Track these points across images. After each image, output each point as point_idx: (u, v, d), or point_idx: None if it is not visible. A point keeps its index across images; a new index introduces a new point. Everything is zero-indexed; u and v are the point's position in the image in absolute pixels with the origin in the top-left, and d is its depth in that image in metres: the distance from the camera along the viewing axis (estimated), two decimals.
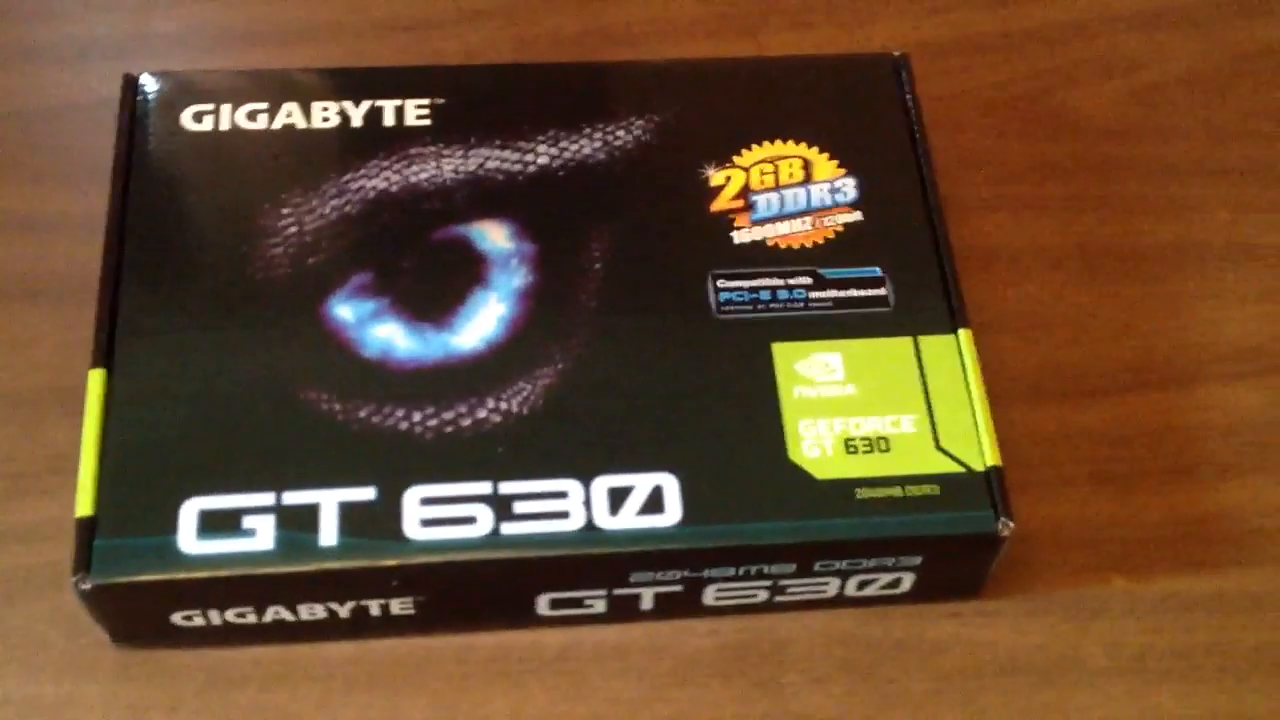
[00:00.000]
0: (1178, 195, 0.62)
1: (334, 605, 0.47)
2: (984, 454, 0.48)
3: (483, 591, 0.47)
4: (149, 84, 0.54)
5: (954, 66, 0.65)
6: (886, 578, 0.49)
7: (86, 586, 0.44)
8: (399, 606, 0.47)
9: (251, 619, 0.47)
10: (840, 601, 0.50)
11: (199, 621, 0.47)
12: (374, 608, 0.47)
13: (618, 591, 0.48)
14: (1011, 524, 0.47)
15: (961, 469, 0.48)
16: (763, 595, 0.49)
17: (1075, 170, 0.62)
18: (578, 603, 0.48)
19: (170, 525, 0.45)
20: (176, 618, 0.46)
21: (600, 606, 0.48)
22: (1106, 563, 0.52)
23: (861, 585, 0.49)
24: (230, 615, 0.47)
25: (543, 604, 0.48)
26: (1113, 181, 0.62)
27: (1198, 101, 0.64)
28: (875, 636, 0.50)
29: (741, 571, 0.47)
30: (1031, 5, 0.67)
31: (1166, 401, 0.56)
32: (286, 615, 0.47)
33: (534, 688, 0.48)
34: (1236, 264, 0.60)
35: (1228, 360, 0.57)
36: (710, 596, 0.48)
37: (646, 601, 0.48)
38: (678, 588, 0.48)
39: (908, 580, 0.49)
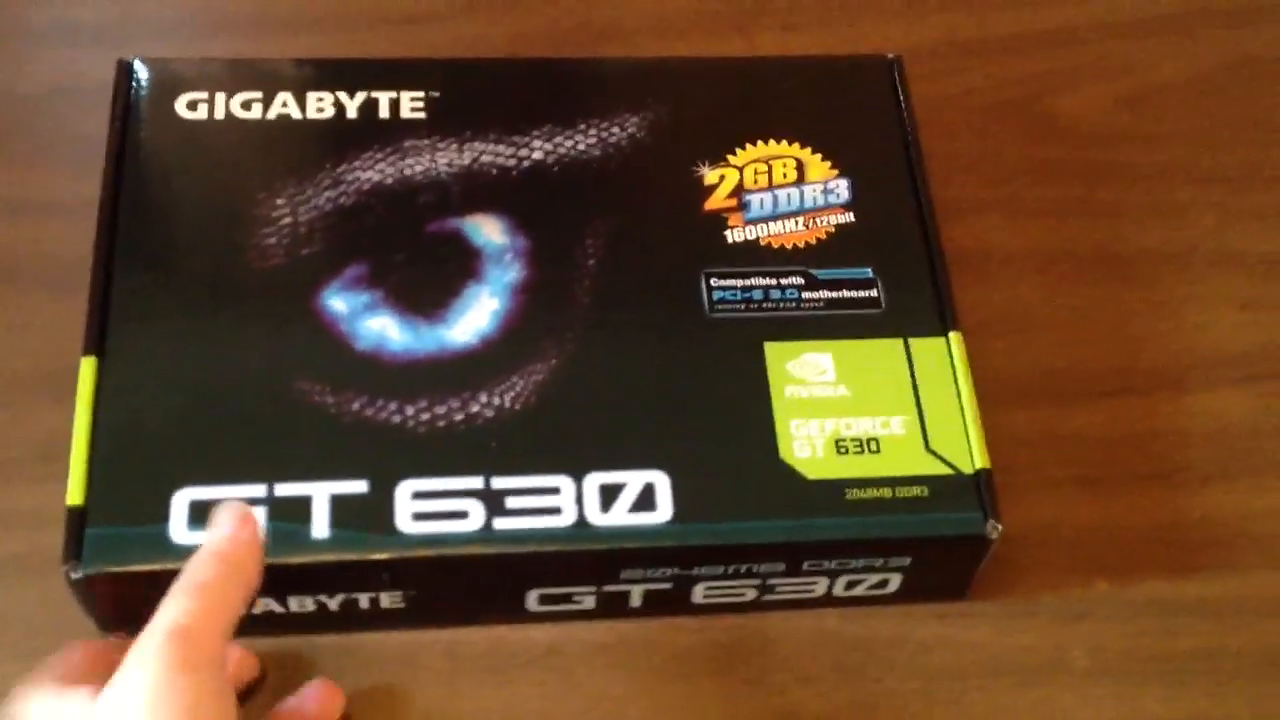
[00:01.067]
0: (1165, 200, 0.62)
1: (324, 598, 0.47)
2: (973, 457, 0.48)
3: (473, 586, 0.47)
4: (142, 71, 0.54)
5: (944, 69, 0.65)
6: (874, 578, 0.49)
7: (77, 575, 0.44)
8: (389, 600, 0.47)
9: None
10: (828, 601, 0.50)
11: None
12: (363, 601, 0.47)
13: (607, 588, 0.48)
14: (1000, 526, 0.47)
15: (951, 471, 0.48)
16: (751, 594, 0.49)
17: (1065, 174, 0.62)
18: (567, 598, 0.48)
19: (161, 515, 0.45)
20: None
21: (589, 603, 0.48)
22: (1091, 566, 0.53)
23: (849, 585, 0.49)
24: None
25: (532, 599, 0.48)
26: (1102, 186, 0.62)
27: (1185, 108, 0.65)
28: (862, 636, 0.50)
29: (731, 570, 0.47)
30: (1021, 10, 0.67)
31: (1153, 406, 0.56)
32: (276, 607, 0.47)
33: (523, 683, 0.48)
34: (1223, 269, 0.60)
35: (1214, 366, 0.58)
36: (699, 595, 0.49)
37: (636, 598, 0.48)
38: (667, 585, 0.48)
39: (895, 581, 0.49)
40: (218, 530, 0.42)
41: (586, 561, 0.46)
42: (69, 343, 0.48)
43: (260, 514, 0.45)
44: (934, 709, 0.49)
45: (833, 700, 0.49)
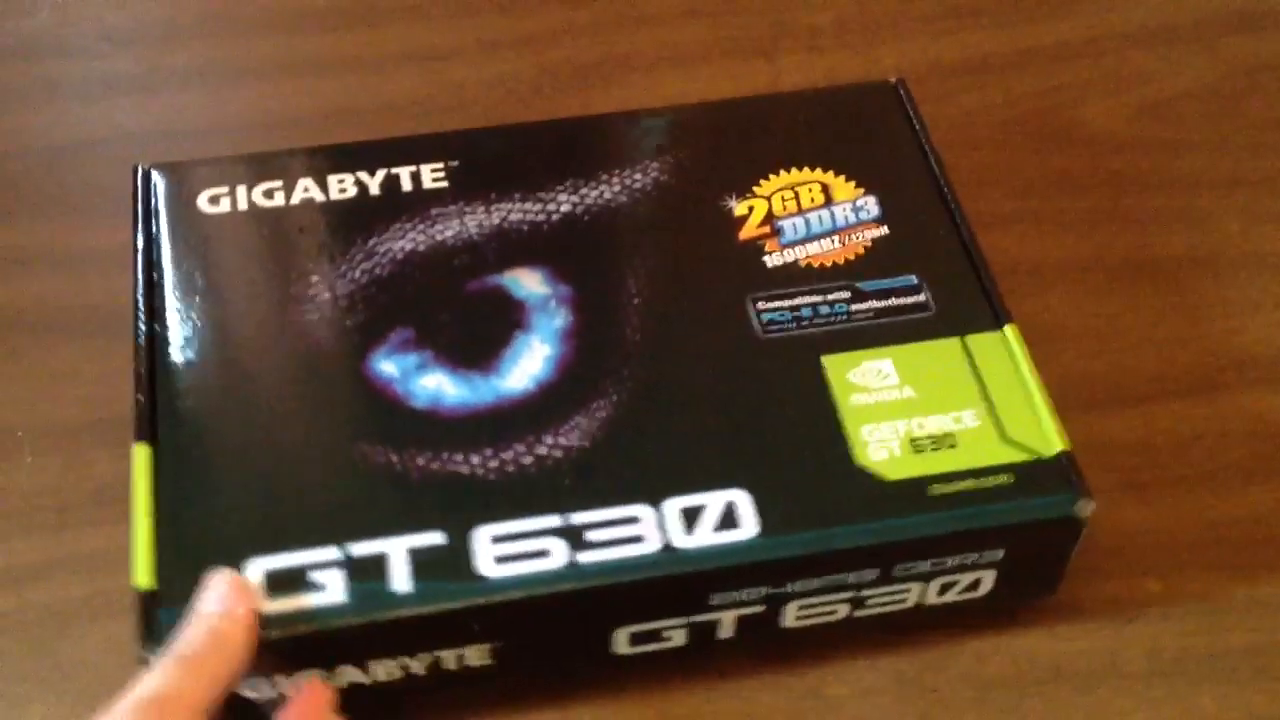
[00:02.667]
0: (1191, 207, 0.62)
1: (407, 660, 0.45)
2: (1051, 440, 0.47)
3: (561, 629, 0.45)
4: (159, 176, 0.54)
5: (966, 85, 0.66)
6: (967, 579, 0.47)
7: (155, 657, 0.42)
8: (475, 657, 0.45)
9: None
10: (918, 613, 0.48)
11: (266, 692, 0.44)
12: (449, 659, 0.45)
13: (696, 618, 0.46)
14: (1092, 503, 0.46)
15: (1032, 456, 0.47)
16: (843, 610, 0.47)
17: (1090, 184, 0.63)
18: (656, 635, 0.46)
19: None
20: (244, 689, 0.44)
21: (680, 638, 0.47)
22: (1140, 569, 0.52)
23: (942, 590, 0.48)
24: (300, 682, 0.44)
25: (621, 640, 0.46)
26: (1127, 194, 0.63)
27: (1207, 115, 0.66)
28: (917, 646, 0.49)
29: (824, 583, 0.46)
30: (1039, 24, 0.69)
31: (1190, 409, 0.56)
32: (359, 677, 0.45)
33: None
34: (1251, 272, 0.60)
35: (1247, 367, 0.57)
36: (791, 617, 0.47)
37: (727, 628, 0.47)
38: (759, 608, 0.46)
39: (988, 580, 0.48)
40: (209, 602, 0.42)
41: (676, 588, 0.45)
42: (117, 388, 0.48)
43: (336, 576, 0.44)
44: (990, 717, 0.48)
45: (890, 712, 0.48)
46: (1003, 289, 0.57)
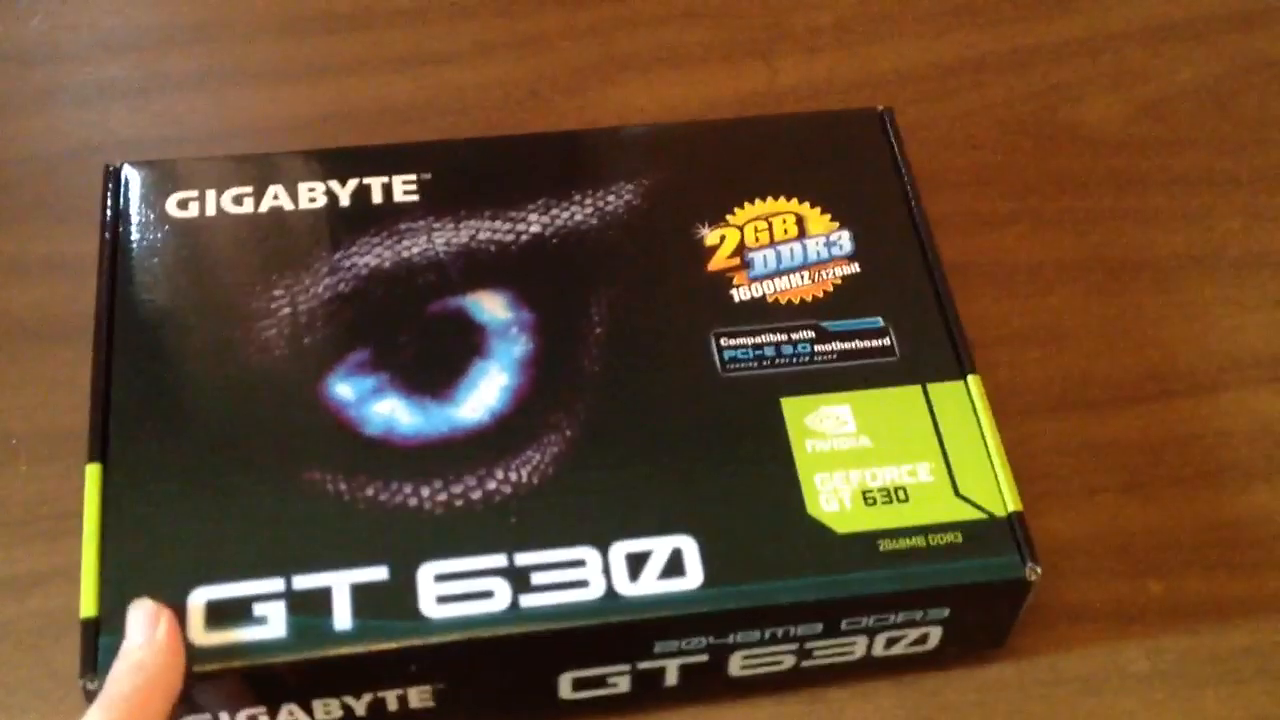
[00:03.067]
0: (1189, 205, 0.62)
1: (349, 699, 0.45)
2: (1005, 499, 0.47)
3: (504, 672, 0.46)
4: (131, 174, 0.54)
5: (964, 85, 0.65)
6: (914, 634, 0.47)
7: (94, 687, 0.42)
8: (417, 698, 0.45)
9: None
10: (867, 664, 0.48)
11: None
12: (391, 700, 0.45)
13: (641, 665, 0.46)
14: (1038, 569, 0.46)
15: (984, 515, 0.47)
16: (789, 660, 0.47)
17: (1088, 183, 0.63)
18: (600, 681, 0.47)
19: (177, 617, 0.43)
20: None
21: (624, 685, 0.47)
22: (1142, 569, 0.52)
23: (889, 644, 0.48)
24: (242, 719, 0.45)
25: (565, 685, 0.46)
26: (1126, 193, 0.62)
27: (1204, 113, 0.65)
28: None
29: (768, 635, 0.46)
30: (1036, 23, 0.68)
31: (1190, 409, 0.56)
32: (301, 716, 0.45)
33: None
34: (1251, 271, 0.60)
35: (1248, 366, 0.57)
36: (736, 666, 0.47)
37: (671, 675, 0.47)
38: (703, 657, 0.46)
39: (935, 635, 0.48)
40: (133, 637, 0.42)
41: (620, 635, 0.45)
42: (82, 400, 0.48)
43: (278, 609, 0.44)
44: None
45: (891, 715, 0.48)
46: (1001, 290, 0.58)
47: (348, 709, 0.45)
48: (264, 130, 0.61)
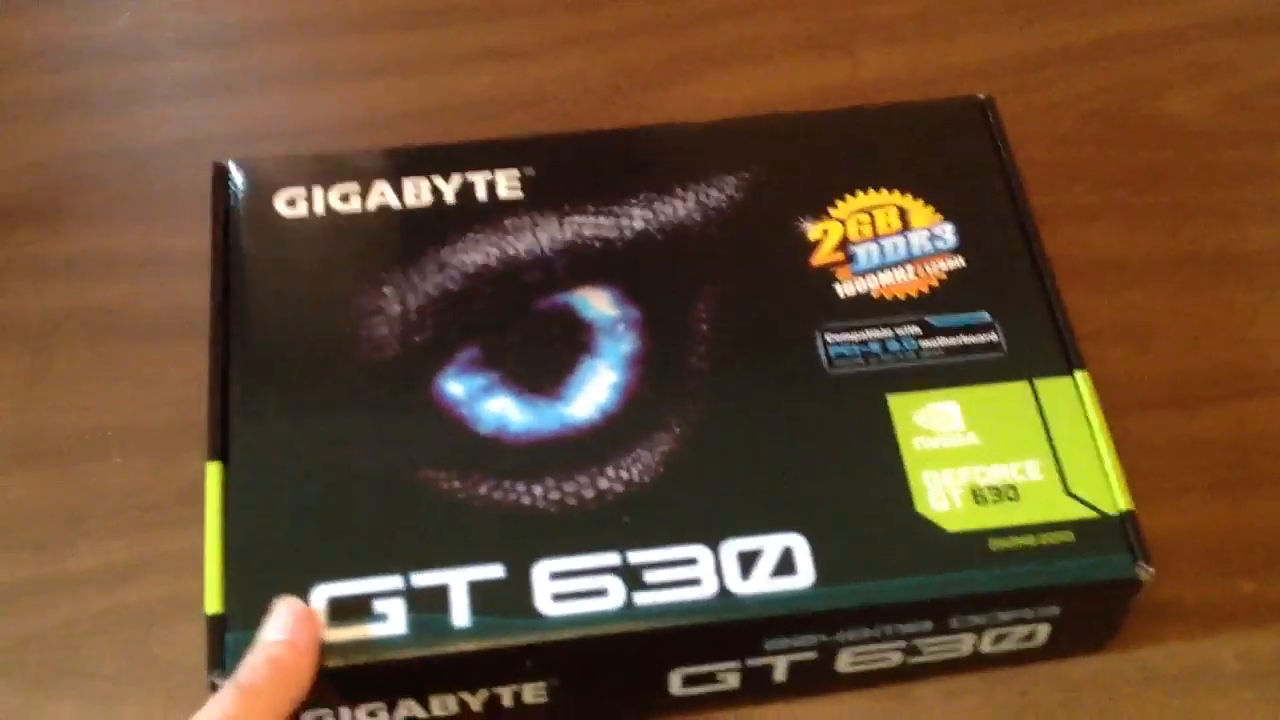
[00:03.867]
0: (1279, 199, 0.61)
1: (466, 695, 0.46)
2: (1116, 498, 0.47)
3: (617, 670, 0.46)
4: (238, 173, 0.54)
5: (1049, 77, 0.65)
6: (1022, 630, 0.48)
7: (221, 682, 0.43)
8: (532, 693, 0.46)
9: (382, 718, 0.46)
10: (974, 661, 0.49)
11: None
12: (506, 696, 0.46)
13: (750, 662, 0.47)
14: (1151, 569, 0.46)
15: (1095, 514, 0.47)
16: (897, 658, 0.48)
17: (1177, 177, 0.62)
18: (710, 678, 0.47)
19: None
20: (308, 718, 0.45)
21: (733, 680, 0.47)
22: (1233, 569, 0.52)
23: (997, 640, 0.48)
24: (361, 715, 0.46)
25: (675, 681, 0.47)
26: (1215, 187, 0.62)
27: None
28: None
29: (877, 632, 0.46)
30: (1121, 13, 0.67)
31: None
32: (418, 711, 0.46)
33: None
34: None
35: None
36: (844, 662, 0.48)
37: (780, 672, 0.47)
38: (811, 655, 0.47)
39: (1042, 633, 0.48)
40: (275, 631, 0.43)
41: (732, 633, 0.45)
42: (201, 390, 0.49)
43: (397, 607, 0.45)
44: None
45: (979, 714, 0.48)
46: (1089, 285, 0.57)
47: (464, 704, 0.46)
48: (345, 126, 0.62)
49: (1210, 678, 0.49)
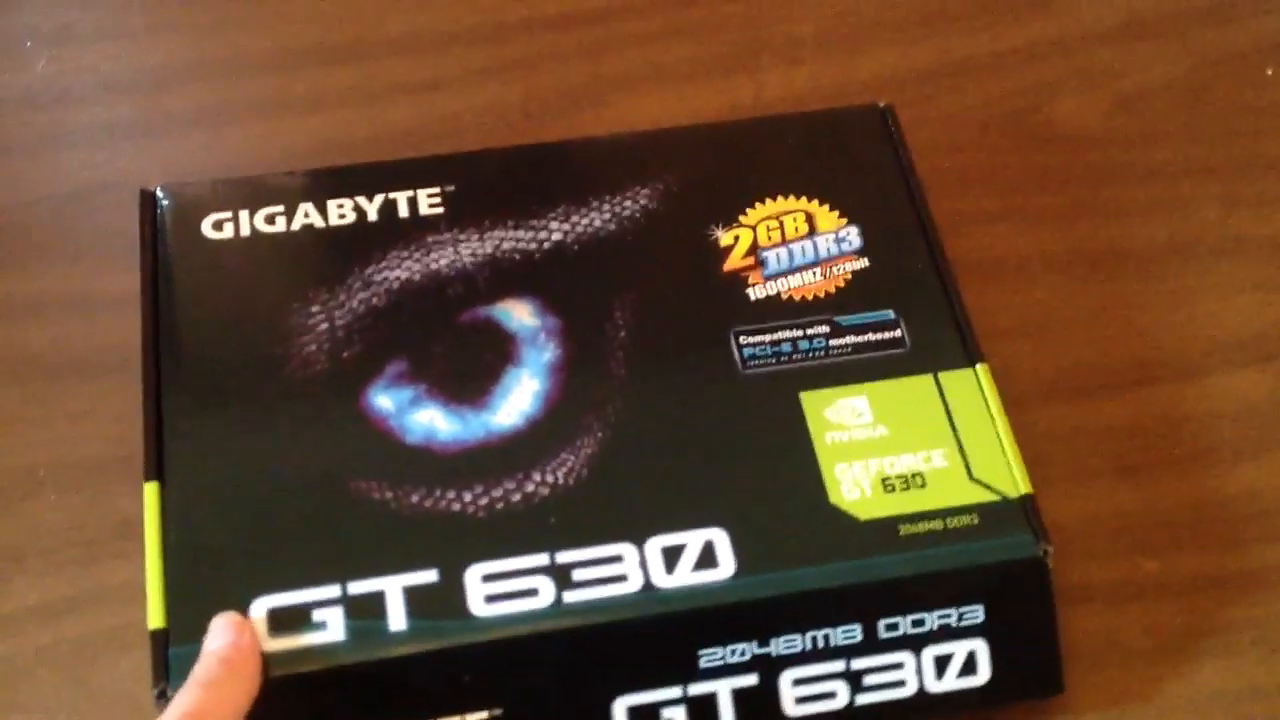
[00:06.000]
0: (1168, 196, 0.64)
1: None
2: (1017, 482, 0.50)
3: (554, 685, 0.47)
4: (165, 198, 0.56)
5: (944, 89, 0.67)
6: (959, 651, 0.48)
7: (167, 695, 0.45)
8: None
9: None
10: (921, 699, 0.48)
11: None
12: None
13: (692, 690, 0.47)
14: (1050, 549, 0.48)
15: (997, 497, 0.49)
16: (843, 693, 0.48)
17: (1069, 179, 0.65)
18: (655, 716, 0.47)
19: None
20: None
21: (681, 717, 0.47)
22: (1137, 549, 0.55)
23: (940, 669, 0.48)
24: None
25: (619, 716, 0.47)
26: (1105, 186, 0.65)
27: (1178, 106, 0.67)
28: None
29: (810, 644, 0.47)
30: (1011, 27, 0.70)
31: (1179, 392, 0.59)
32: None
33: None
34: (1230, 256, 0.63)
35: (1231, 349, 0.60)
36: (789, 697, 0.48)
37: (725, 704, 0.47)
38: (752, 679, 0.47)
39: (982, 656, 0.48)
40: (217, 639, 0.45)
41: (661, 630, 0.47)
42: (133, 425, 0.50)
43: (335, 614, 0.46)
44: None
45: None
46: (991, 285, 0.60)
47: None
48: (266, 163, 0.62)
49: (1121, 654, 0.52)
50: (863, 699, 0.48)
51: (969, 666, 0.49)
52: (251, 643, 0.45)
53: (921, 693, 0.48)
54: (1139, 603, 0.53)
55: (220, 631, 0.45)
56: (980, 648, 0.49)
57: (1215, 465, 0.57)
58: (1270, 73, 0.68)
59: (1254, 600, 0.53)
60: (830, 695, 0.48)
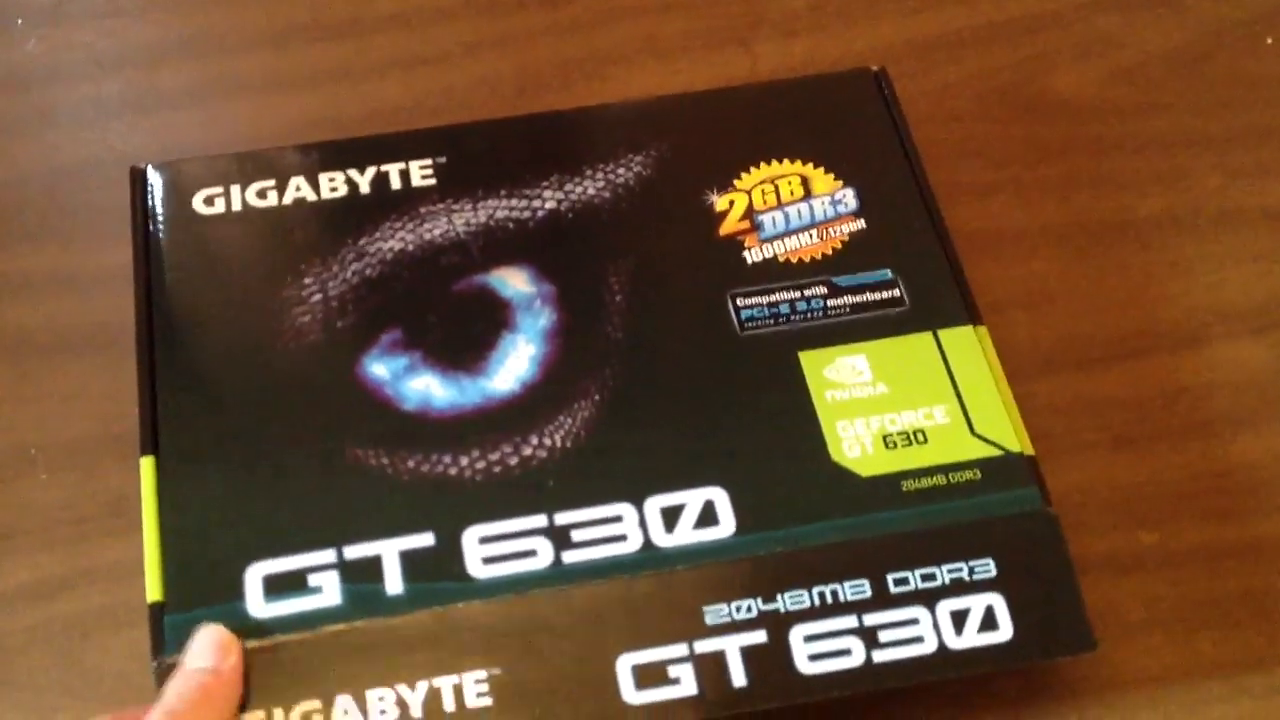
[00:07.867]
0: (1167, 166, 0.64)
1: (405, 690, 0.45)
2: (1019, 438, 0.49)
3: (557, 647, 0.46)
4: (155, 175, 0.55)
5: (941, 60, 0.67)
6: (975, 605, 0.47)
7: (164, 665, 0.44)
8: (474, 691, 0.45)
9: None
10: (942, 657, 0.46)
11: None
12: (446, 692, 0.45)
13: (699, 647, 0.46)
14: (1051, 510, 0.48)
15: (1000, 452, 0.49)
16: (858, 650, 0.46)
17: (1067, 150, 0.64)
18: (662, 674, 0.46)
19: (236, 593, 0.45)
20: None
21: (688, 679, 0.45)
22: (1135, 521, 0.54)
23: (958, 625, 0.47)
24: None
25: (625, 681, 0.46)
26: (1104, 158, 0.64)
27: (1176, 76, 0.67)
28: None
29: (818, 598, 0.46)
30: None
31: (1177, 363, 0.58)
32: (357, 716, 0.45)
33: None
34: (1230, 227, 0.62)
35: (1230, 319, 0.59)
36: (801, 653, 0.46)
37: (736, 668, 0.46)
38: (760, 636, 0.46)
39: (1001, 610, 0.47)
40: (199, 659, 0.43)
41: (663, 589, 0.46)
42: (126, 404, 0.50)
43: (331, 579, 0.46)
44: (990, 676, 0.50)
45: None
46: (989, 257, 0.59)
47: (403, 706, 0.45)
48: (257, 139, 0.62)
49: (1119, 625, 0.51)
50: (880, 656, 0.46)
51: (989, 622, 0.47)
52: (234, 669, 0.43)
53: (942, 649, 0.47)
54: (1137, 574, 0.53)
55: (204, 651, 0.44)
56: (997, 602, 0.47)
57: (1214, 435, 0.56)
58: (1270, 42, 0.68)
59: (1252, 571, 0.53)
60: (845, 652, 0.46)
